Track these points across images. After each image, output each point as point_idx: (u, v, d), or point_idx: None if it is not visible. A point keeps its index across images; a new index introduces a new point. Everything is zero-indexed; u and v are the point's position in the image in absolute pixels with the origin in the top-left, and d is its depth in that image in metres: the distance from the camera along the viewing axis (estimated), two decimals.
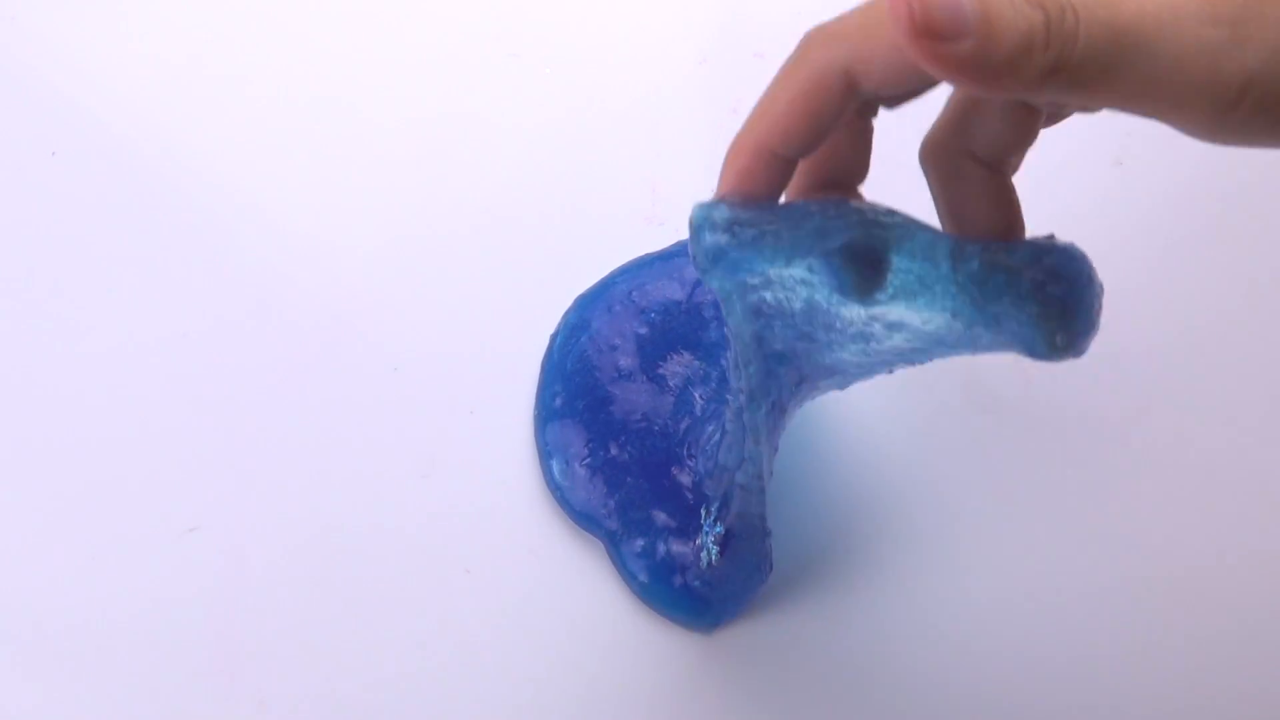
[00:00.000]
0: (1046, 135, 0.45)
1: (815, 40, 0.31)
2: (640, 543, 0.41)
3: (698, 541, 0.40)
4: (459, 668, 0.40)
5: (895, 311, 0.32)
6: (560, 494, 0.41)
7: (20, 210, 0.43)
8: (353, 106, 0.44)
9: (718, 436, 0.41)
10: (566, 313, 0.43)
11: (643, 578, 0.40)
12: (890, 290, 0.31)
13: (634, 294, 0.43)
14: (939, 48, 0.25)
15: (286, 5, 0.45)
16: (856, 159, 0.33)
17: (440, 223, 0.43)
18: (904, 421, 0.42)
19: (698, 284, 0.43)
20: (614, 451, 0.41)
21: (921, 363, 0.34)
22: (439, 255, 0.43)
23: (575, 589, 0.40)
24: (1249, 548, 0.41)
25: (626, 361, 0.42)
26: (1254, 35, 0.27)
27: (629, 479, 0.41)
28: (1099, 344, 0.42)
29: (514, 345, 0.42)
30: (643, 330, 0.42)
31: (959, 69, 0.26)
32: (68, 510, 0.41)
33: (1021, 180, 0.44)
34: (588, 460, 0.41)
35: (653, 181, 0.44)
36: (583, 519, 0.41)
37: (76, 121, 0.43)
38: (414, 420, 0.41)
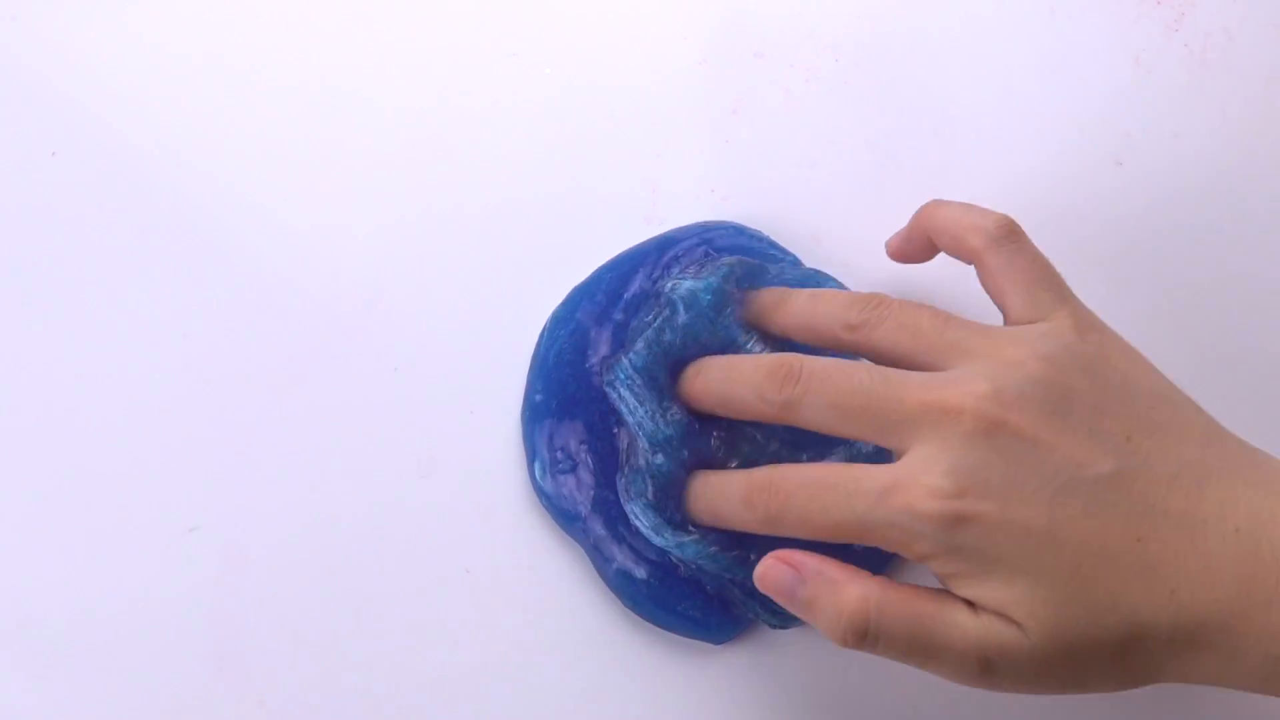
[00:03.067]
0: (1046, 135, 0.45)
1: (873, 320, 0.36)
2: (620, 553, 0.40)
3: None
4: (459, 668, 0.40)
5: None
6: (543, 498, 0.40)
7: (20, 210, 0.43)
8: (353, 106, 0.44)
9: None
10: (555, 307, 0.42)
11: (633, 580, 0.39)
12: None
13: (616, 283, 0.42)
14: (780, 600, 0.35)
15: (287, 5, 0.45)
16: None
17: (440, 223, 0.43)
18: None
19: (668, 268, 0.42)
20: (583, 454, 0.40)
21: None
22: (439, 255, 0.43)
23: (578, 591, 0.40)
24: None
25: (601, 355, 0.41)
26: None
27: (604, 481, 0.40)
28: None
29: (514, 345, 0.42)
30: (619, 317, 0.42)
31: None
32: (68, 510, 0.40)
33: (1022, 180, 0.44)
34: (562, 463, 0.41)
35: (653, 181, 0.44)
36: (564, 524, 0.40)
37: (76, 121, 0.43)
38: (414, 420, 0.41)
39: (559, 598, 0.40)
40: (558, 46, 0.45)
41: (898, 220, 0.41)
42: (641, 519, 0.39)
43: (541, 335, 0.42)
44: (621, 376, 0.39)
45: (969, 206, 0.38)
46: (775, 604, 0.38)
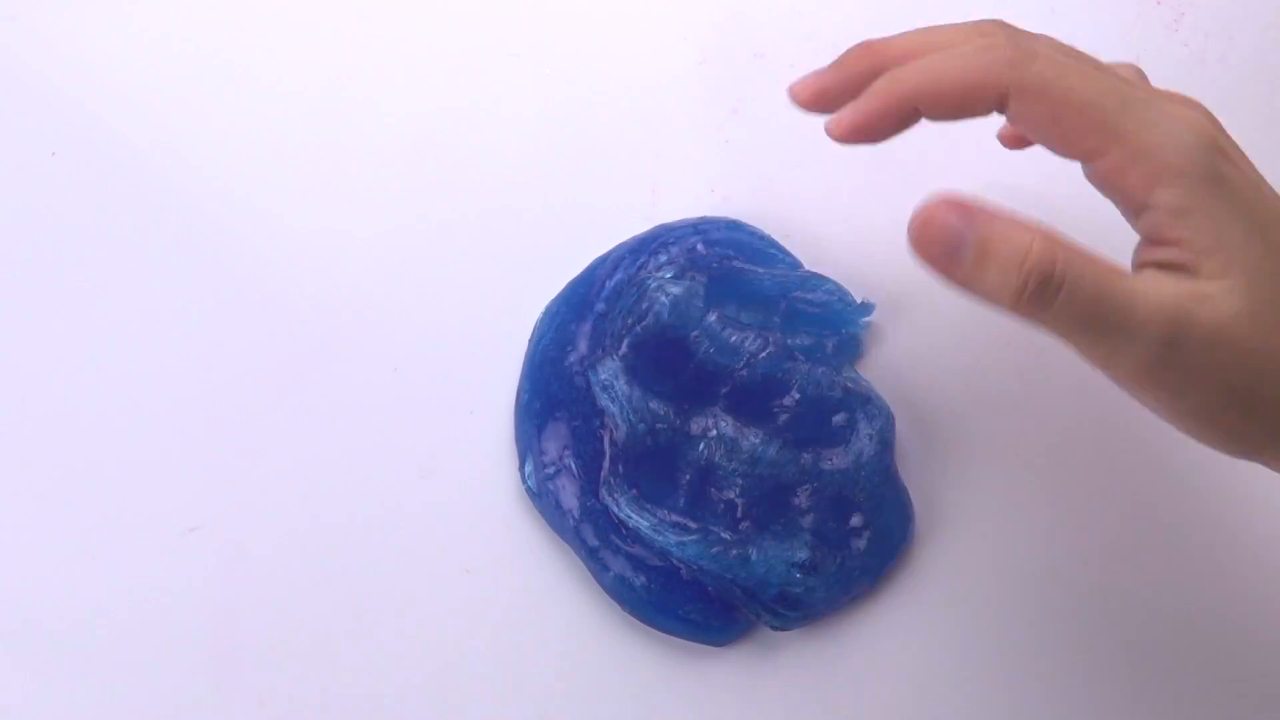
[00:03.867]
0: None
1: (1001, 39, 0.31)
2: (615, 561, 0.39)
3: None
4: (459, 668, 0.40)
5: None
6: (535, 501, 0.40)
7: (20, 210, 0.43)
8: (353, 107, 0.44)
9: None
10: (548, 301, 0.42)
11: (631, 587, 0.39)
12: None
13: (601, 276, 0.42)
14: (936, 263, 0.29)
15: (287, 5, 0.45)
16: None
17: (441, 223, 0.43)
18: (923, 427, 0.42)
19: (654, 255, 0.42)
20: (567, 458, 0.40)
21: None
22: (440, 255, 0.43)
23: (579, 591, 0.40)
24: (1250, 545, 0.41)
25: (580, 353, 0.41)
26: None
27: (589, 488, 0.40)
28: None
29: (515, 346, 0.42)
30: (600, 308, 0.41)
31: (953, 283, 0.29)
32: (68, 510, 0.40)
33: (1022, 180, 0.44)
34: (549, 467, 0.40)
35: (653, 181, 0.44)
36: (557, 528, 0.40)
37: (76, 121, 0.43)
38: (414, 420, 0.41)
39: (560, 598, 0.40)
40: (558, 46, 0.45)
41: (897, 220, 0.41)
42: (640, 521, 0.39)
43: (532, 331, 0.42)
44: (610, 376, 0.39)
45: (937, 31, 0.33)
46: (777, 605, 0.38)
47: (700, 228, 0.42)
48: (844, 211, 0.44)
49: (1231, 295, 0.29)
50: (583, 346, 0.41)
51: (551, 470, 0.40)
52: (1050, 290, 0.28)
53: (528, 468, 0.40)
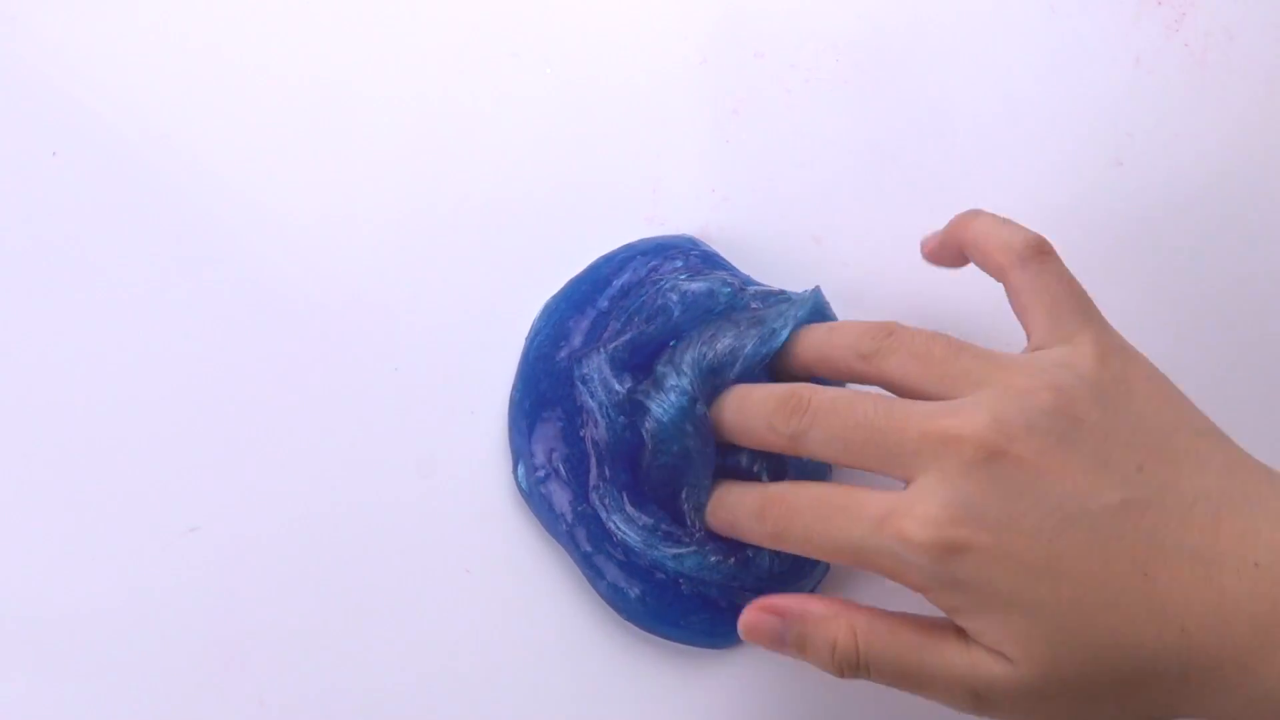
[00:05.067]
0: (1047, 135, 0.45)
1: (887, 350, 0.36)
2: (610, 569, 0.39)
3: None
4: (459, 668, 0.40)
5: None
6: (528, 502, 0.40)
7: (20, 210, 0.43)
8: (353, 107, 0.44)
9: None
10: (547, 299, 0.42)
11: (626, 597, 0.39)
12: None
13: (608, 274, 0.42)
14: (770, 648, 0.36)
15: (287, 5, 0.45)
16: None
17: (441, 223, 0.43)
18: None
19: (662, 260, 0.42)
20: (556, 460, 0.40)
21: None
22: (439, 255, 0.43)
23: (580, 592, 0.40)
24: None
25: (573, 348, 0.41)
26: None
27: (581, 493, 0.39)
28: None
29: (515, 346, 0.42)
30: (604, 305, 0.41)
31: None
32: (68, 510, 0.40)
33: (1022, 180, 0.44)
34: (541, 468, 0.40)
35: (653, 181, 0.44)
36: (551, 531, 0.40)
37: (76, 121, 0.43)
38: (414, 420, 0.41)
39: (561, 599, 0.40)
40: (558, 46, 0.45)
41: (897, 220, 0.41)
42: (629, 533, 0.38)
43: (530, 327, 0.42)
44: (593, 370, 0.39)
45: (1003, 222, 0.37)
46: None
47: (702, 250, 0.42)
48: (844, 212, 0.44)
49: (1015, 664, 0.31)
50: (577, 342, 0.41)
51: (542, 474, 0.40)
52: (861, 669, 0.33)
53: (520, 469, 0.40)
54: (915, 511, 0.31)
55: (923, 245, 0.40)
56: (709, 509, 0.38)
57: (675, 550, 0.38)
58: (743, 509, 0.36)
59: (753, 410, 0.36)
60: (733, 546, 0.38)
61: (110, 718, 0.39)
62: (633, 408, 0.38)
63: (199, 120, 0.44)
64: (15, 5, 0.44)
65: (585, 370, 0.39)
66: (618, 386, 0.38)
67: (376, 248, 0.43)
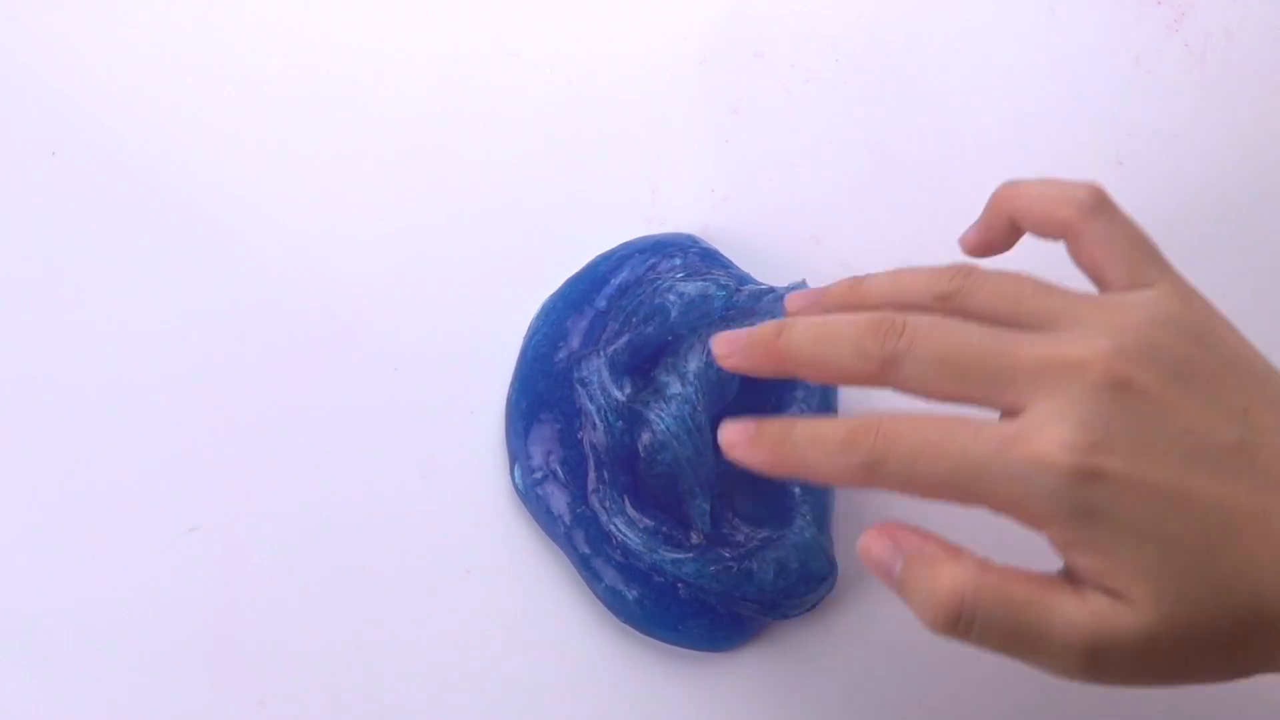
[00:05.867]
0: (1047, 135, 0.45)
1: (967, 289, 0.34)
2: (608, 572, 0.39)
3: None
4: (460, 668, 0.40)
5: None
6: (525, 504, 0.40)
7: (20, 210, 0.43)
8: (353, 107, 0.44)
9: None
10: (545, 299, 0.42)
11: (624, 600, 0.38)
12: None
13: (605, 272, 0.41)
14: (880, 578, 0.32)
15: (287, 5, 0.45)
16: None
17: (441, 223, 0.43)
18: None
19: (661, 258, 0.41)
20: (553, 462, 0.40)
21: None
22: (440, 256, 0.43)
23: (581, 592, 0.40)
24: None
25: (572, 349, 0.41)
26: None
27: (579, 495, 0.39)
28: None
29: (514, 346, 0.42)
30: (601, 304, 0.41)
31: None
32: (68, 510, 0.40)
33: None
34: (538, 470, 0.40)
35: (653, 181, 0.44)
36: (549, 532, 0.39)
37: (76, 121, 0.43)
38: (414, 421, 0.41)
39: (560, 599, 0.40)
40: (558, 47, 0.45)
41: (897, 221, 0.41)
42: (629, 536, 0.38)
43: (528, 327, 0.42)
44: (592, 373, 0.39)
45: (1051, 180, 0.35)
46: (793, 605, 0.38)
47: (703, 248, 0.42)
48: (844, 211, 0.44)
49: (1139, 609, 0.29)
50: (575, 343, 0.41)
51: (539, 475, 0.39)
52: (962, 624, 0.30)
53: (516, 471, 0.40)
54: (1048, 433, 0.29)
55: (963, 243, 0.37)
56: (757, 445, 0.34)
57: (675, 555, 0.38)
58: (819, 441, 0.32)
59: (837, 335, 0.33)
60: (735, 556, 0.38)
61: (110, 717, 0.39)
62: (631, 415, 0.38)
63: (198, 121, 0.44)
64: (15, 5, 0.44)
65: (584, 373, 0.39)
66: (617, 392, 0.38)
67: (376, 248, 0.43)
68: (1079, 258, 0.34)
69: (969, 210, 0.41)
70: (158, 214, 0.43)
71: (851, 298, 0.35)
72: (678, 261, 0.41)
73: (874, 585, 0.39)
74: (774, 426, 0.33)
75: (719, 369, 0.36)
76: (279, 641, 0.40)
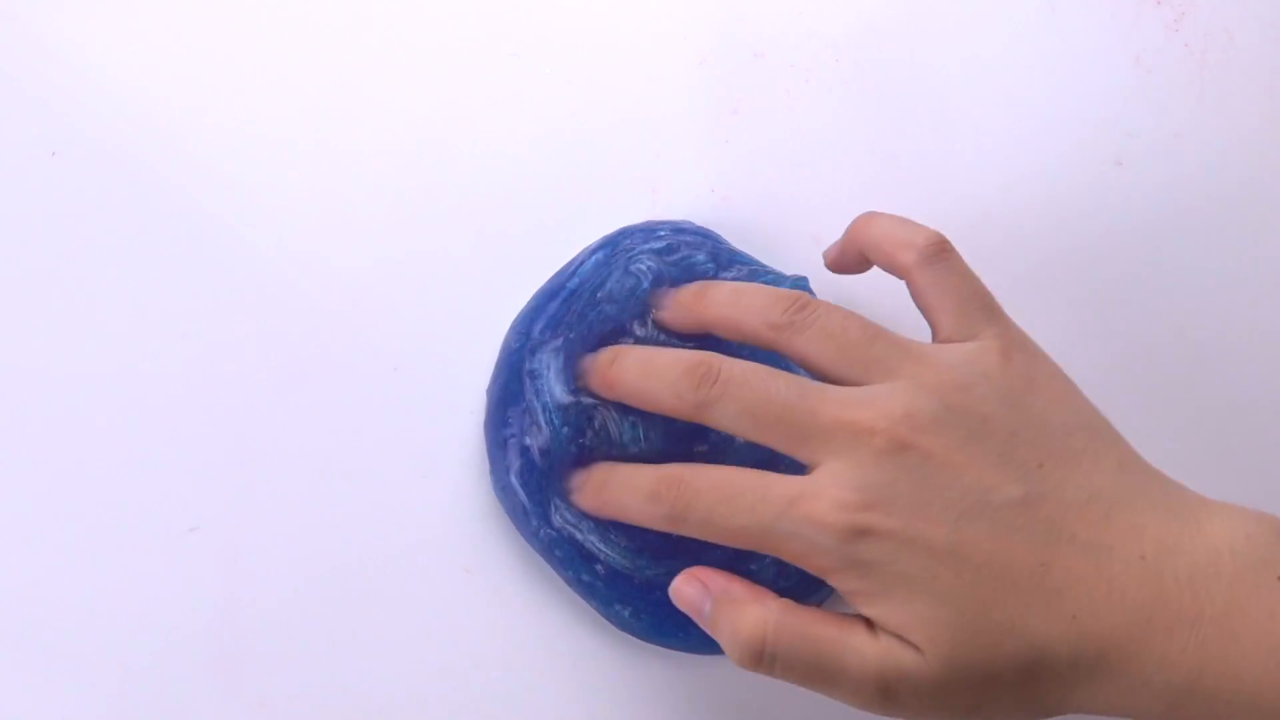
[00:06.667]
0: (1047, 135, 0.45)
1: (799, 324, 0.36)
2: (595, 583, 0.38)
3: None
4: (461, 668, 0.40)
5: None
6: (510, 517, 0.39)
7: (20, 210, 0.43)
8: (352, 108, 0.44)
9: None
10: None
11: (621, 617, 0.38)
12: None
13: (583, 256, 0.41)
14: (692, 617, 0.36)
15: (287, 4, 0.45)
16: None
17: (441, 224, 0.43)
18: None
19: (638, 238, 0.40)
20: (512, 470, 0.38)
21: None
22: (440, 256, 0.43)
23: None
24: None
25: (533, 338, 0.39)
26: None
27: (534, 506, 0.38)
28: (1095, 346, 0.42)
29: None
30: (573, 284, 0.40)
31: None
32: (68, 510, 0.40)
33: (1022, 180, 0.44)
34: (501, 485, 0.38)
35: (653, 182, 0.44)
36: (531, 545, 0.39)
37: (76, 122, 0.43)
38: (414, 420, 0.41)
39: (562, 599, 0.40)
40: (558, 46, 0.45)
41: None
42: (611, 555, 0.37)
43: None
44: (542, 365, 0.37)
45: (902, 221, 0.37)
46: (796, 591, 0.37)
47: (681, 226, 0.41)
48: (844, 212, 0.44)
49: (921, 652, 0.32)
50: (537, 329, 0.39)
51: (502, 486, 0.38)
52: (765, 660, 0.33)
53: (492, 479, 0.39)
54: (826, 494, 0.32)
55: (825, 255, 0.40)
56: (585, 490, 0.37)
57: (669, 564, 0.37)
58: (632, 490, 0.35)
59: (659, 373, 0.35)
60: (730, 557, 0.37)
61: (110, 717, 0.39)
62: (579, 416, 0.36)
63: (200, 122, 0.44)
64: (15, 5, 0.44)
65: (534, 364, 0.37)
66: (561, 391, 0.36)
67: (376, 248, 0.43)
68: (916, 301, 0.37)
69: (968, 210, 0.41)
70: (157, 214, 0.43)
71: (695, 306, 0.37)
72: (660, 232, 0.40)
73: None
74: (598, 473, 0.37)
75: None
76: (279, 641, 0.40)
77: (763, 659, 0.33)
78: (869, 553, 0.32)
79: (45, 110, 0.43)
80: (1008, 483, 0.32)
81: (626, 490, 0.36)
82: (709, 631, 0.35)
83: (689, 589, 0.35)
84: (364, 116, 0.44)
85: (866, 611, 0.32)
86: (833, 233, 0.44)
